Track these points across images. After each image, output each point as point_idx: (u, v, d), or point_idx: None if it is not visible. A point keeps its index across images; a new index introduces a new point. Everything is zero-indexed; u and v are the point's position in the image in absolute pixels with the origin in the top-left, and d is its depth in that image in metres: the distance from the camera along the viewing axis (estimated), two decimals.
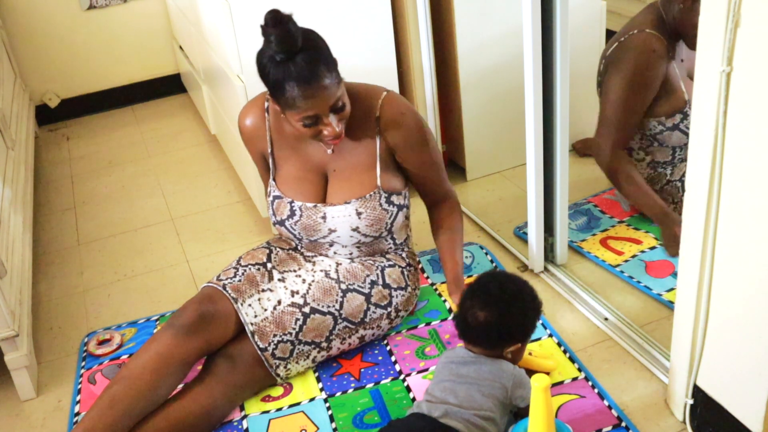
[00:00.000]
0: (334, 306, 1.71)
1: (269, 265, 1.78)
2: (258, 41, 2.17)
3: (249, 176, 2.41)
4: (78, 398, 1.79)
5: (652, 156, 2.14)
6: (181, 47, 3.44)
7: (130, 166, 3.08)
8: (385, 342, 1.82)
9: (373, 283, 1.77)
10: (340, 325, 1.72)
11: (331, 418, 1.62)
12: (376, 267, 1.80)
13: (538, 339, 1.78)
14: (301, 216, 1.77)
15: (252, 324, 1.65)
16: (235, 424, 1.63)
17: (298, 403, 1.67)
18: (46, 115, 3.62)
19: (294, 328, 1.67)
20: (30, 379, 1.82)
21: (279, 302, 1.70)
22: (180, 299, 2.12)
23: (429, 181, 1.86)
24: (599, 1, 2.49)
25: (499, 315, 1.45)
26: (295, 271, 1.79)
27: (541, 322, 1.82)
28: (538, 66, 1.78)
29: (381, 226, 1.77)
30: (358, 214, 1.74)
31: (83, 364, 1.90)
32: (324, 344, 1.71)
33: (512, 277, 1.55)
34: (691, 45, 2.00)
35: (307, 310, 1.69)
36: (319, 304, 1.70)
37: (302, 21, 2.18)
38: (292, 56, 1.52)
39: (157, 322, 2.02)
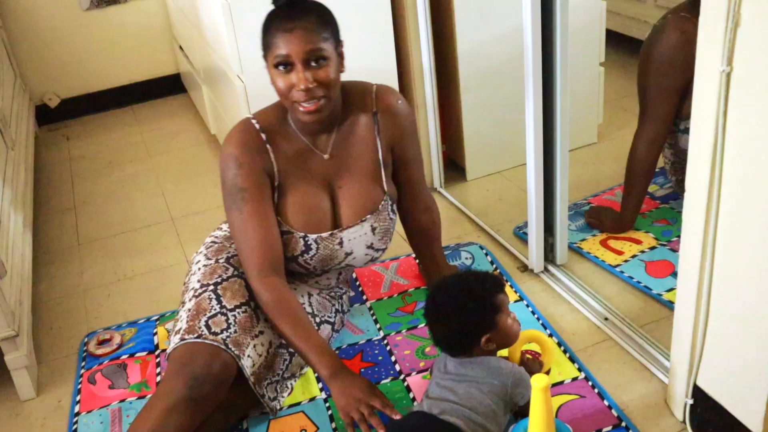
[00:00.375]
0: None
1: (252, 303, 1.62)
2: (257, 41, 2.17)
3: None
4: (78, 398, 1.78)
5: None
6: (181, 47, 3.44)
7: (130, 166, 3.08)
8: (385, 342, 1.82)
9: (336, 312, 1.81)
10: None
11: (331, 418, 1.62)
12: (338, 296, 1.83)
13: None
14: (317, 249, 1.66)
15: (253, 375, 1.56)
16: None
17: (298, 403, 1.67)
18: (46, 115, 3.62)
19: (282, 369, 1.65)
20: (30, 379, 1.82)
21: (270, 344, 1.62)
22: (180, 299, 2.12)
23: (415, 180, 1.79)
24: (599, 1, 2.49)
25: (459, 321, 1.47)
26: None
27: (541, 322, 1.83)
28: (538, 66, 1.78)
29: (389, 237, 1.75)
30: (373, 229, 1.70)
31: (83, 364, 1.90)
32: (300, 373, 1.73)
33: (458, 277, 1.56)
34: None
35: (292, 349, 1.67)
36: None
37: None
38: (293, 3, 1.49)
39: (157, 322, 2.02)
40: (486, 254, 2.13)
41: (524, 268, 2.07)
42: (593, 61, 2.57)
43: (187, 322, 1.56)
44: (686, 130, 2.04)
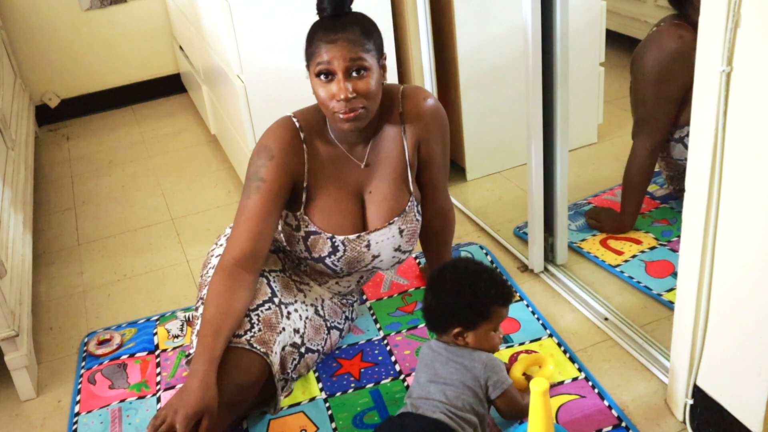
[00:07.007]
0: (321, 344, 1.73)
1: (276, 299, 1.63)
2: (257, 41, 2.18)
3: None
4: (78, 398, 1.78)
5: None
6: (181, 47, 3.44)
7: (130, 166, 3.08)
8: (385, 342, 1.82)
9: (346, 319, 1.82)
10: (319, 360, 1.76)
11: (331, 418, 1.62)
12: (349, 304, 1.83)
13: (539, 339, 1.78)
14: (345, 251, 1.66)
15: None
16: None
17: (298, 403, 1.67)
18: (46, 115, 3.62)
19: (290, 368, 1.65)
20: (30, 379, 1.82)
21: (285, 343, 1.64)
22: (180, 299, 2.13)
23: (435, 183, 1.73)
24: (599, 1, 2.49)
25: (435, 298, 1.51)
26: (293, 303, 1.69)
27: (541, 322, 1.83)
28: (538, 66, 1.78)
29: (415, 238, 1.73)
30: (401, 232, 1.68)
31: (83, 364, 1.90)
32: (304, 374, 1.74)
33: (476, 266, 1.53)
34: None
35: (303, 350, 1.68)
36: (312, 343, 1.70)
37: (302, 21, 2.19)
38: (337, 15, 1.49)
39: (157, 322, 2.02)
40: (486, 254, 2.13)
41: (524, 268, 2.07)
42: (593, 61, 2.57)
43: None
44: (680, 140, 2.03)
